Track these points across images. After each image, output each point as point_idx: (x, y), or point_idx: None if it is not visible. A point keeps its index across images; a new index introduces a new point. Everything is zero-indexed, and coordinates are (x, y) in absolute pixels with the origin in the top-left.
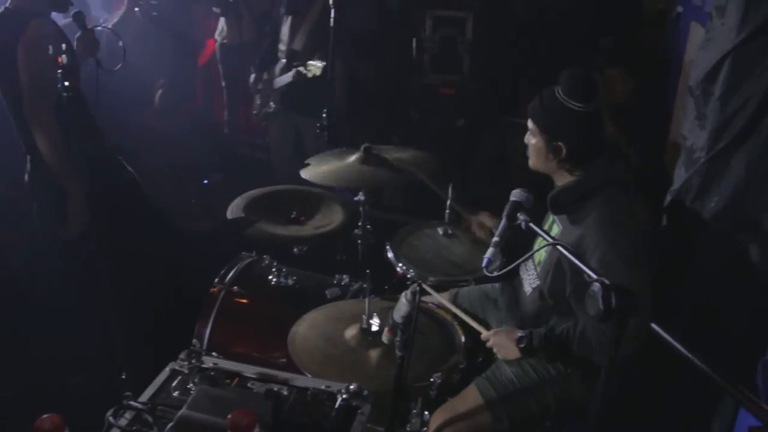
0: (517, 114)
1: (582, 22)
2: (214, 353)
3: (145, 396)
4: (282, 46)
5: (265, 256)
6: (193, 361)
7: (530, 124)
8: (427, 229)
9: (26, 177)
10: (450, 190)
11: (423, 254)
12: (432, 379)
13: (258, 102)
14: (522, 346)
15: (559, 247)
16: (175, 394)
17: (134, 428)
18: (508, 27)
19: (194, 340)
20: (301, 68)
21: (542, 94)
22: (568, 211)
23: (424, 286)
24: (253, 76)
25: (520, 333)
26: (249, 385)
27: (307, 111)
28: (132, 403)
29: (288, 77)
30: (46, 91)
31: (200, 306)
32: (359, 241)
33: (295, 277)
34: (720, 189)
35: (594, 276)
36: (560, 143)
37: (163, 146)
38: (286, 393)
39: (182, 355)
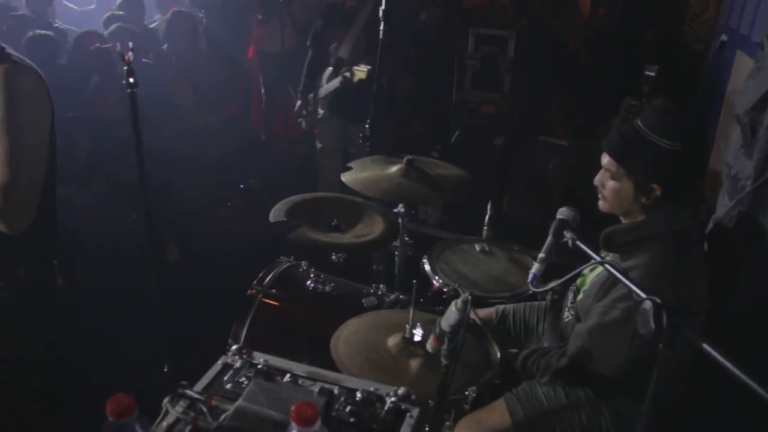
0: (555, 135)
1: (626, 49)
2: None
3: (198, 386)
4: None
5: (303, 262)
6: (244, 356)
7: (612, 165)
8: (464, 245)
9: None
10: (489, 207)
11: (460, 269)
12: (467, 393)
13: (303, 112)
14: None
15: (607, 266)
16: (228, 386)
17: (190, 416)
18: (550, 49)
19: (230, 340)
20: (347, 73)
21: (624, 133)
22: (620, 251)
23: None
24: (298, 103)
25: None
26: (300, 383)
27: (354, 117)
28: (188, 392)
29: (335, 83)
30: None
31: (235, 307)
32: (396, 253)
33: (332, 284)
34: (766, 218)
35: (643, 294)
36: (655, 185)
37: (200, 149)
38: (336, 392)
39: (233, 350)
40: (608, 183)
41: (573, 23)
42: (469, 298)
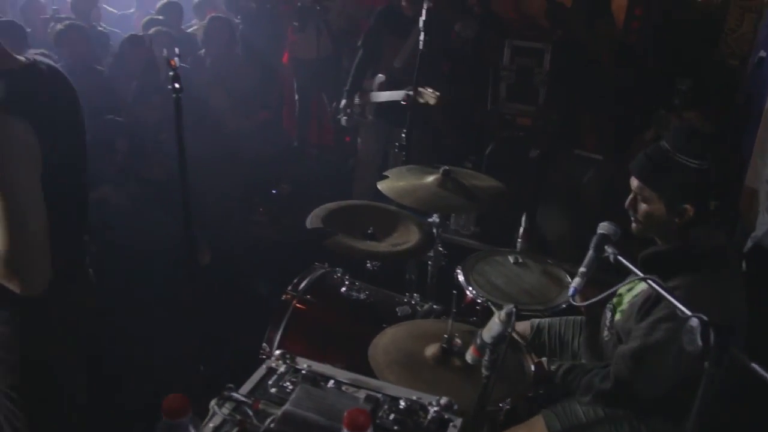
0: (589, 148)
1: (660, 63)
2: None
3: (244, 390)
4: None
5: (337, 269)
6: (288, 361)
7: (642, 189)
8: (498, 256)
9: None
10: (524, 219)
11: (494, 280)
12: (501, 405)
13: (348, 110)
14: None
15: (650, 282)
16: (273, 390)
17: (236, 418)
18: (586, 62)
19: (264, 344)
20: (411, 92)
21: (651, 155)
22: (659, 272)
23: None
24: (343, 102)
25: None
26: (343, 389)
27: (400, 123)
28: (235, 394)
29: (396, 95)
30: None
31: (269, 311)
32: (429, 263)
33: (367, 292)
34: None
35: (688, 312)
36: (687, 205)
37: (233, 153)
38: (380, 400)
39: (277, 355)
40: (640, 206)
41: (607, 36)
42: (514, 310)
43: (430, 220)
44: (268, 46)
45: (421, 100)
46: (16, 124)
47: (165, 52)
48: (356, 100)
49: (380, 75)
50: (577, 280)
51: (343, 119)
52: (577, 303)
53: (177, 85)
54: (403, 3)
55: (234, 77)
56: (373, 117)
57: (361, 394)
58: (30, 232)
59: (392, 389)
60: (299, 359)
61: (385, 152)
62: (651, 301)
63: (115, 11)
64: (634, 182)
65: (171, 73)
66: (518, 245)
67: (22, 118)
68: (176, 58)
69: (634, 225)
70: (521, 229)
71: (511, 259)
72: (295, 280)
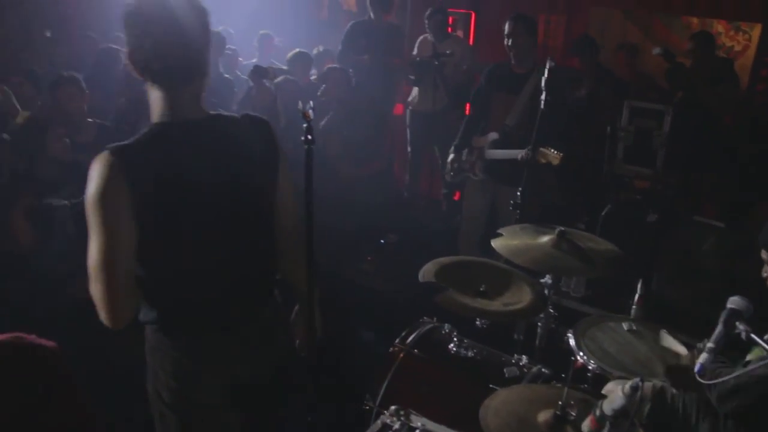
0: (709, 214)
1: None
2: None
3: None
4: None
5: (446, 325)
6: (402, 417)
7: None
8: (611, 322)
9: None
10: (640, 285)
11: (606, 347)
12: None
13: (455, 165)
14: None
15: None
16: None
17: None
18: (707, 125)
19: (366, 395)
20: (531, 151)
21: None
22: None
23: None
24: (451, 156)
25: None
26: None
27: (511, 180)
28: None
29: (512, 153)
30: None
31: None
32: (539, 324)
33: (475, 350)
34: None
35: None
36: None
37: (346, 201)
38: None
39: (391, 410)
40: None
41: (730, 98)
42: (640, 384)
43: (542, 281)
44: (381, 98)
45: (543, 160)
46: (114, 169)
47: (300, 104)
48: (464, 156)
49: (493, 133)
50: (704, 356)
51: (449, 175)
52: (705, 381)
53: (310, 137)
54: (513, 61)
55: (349, 126)
56: (483, 174)
57: None
58: (103, 271)
59: None
60: (413, 416)
61: (493, 209)
62: None
63: (241, 60)
64: (764, 253)
65: (305, 125)
66: (632, 312)
67: (120, 168)
68: (311, 111)
69: None
70: (636, 296)
71: (624, 326)
72: (403, 333)
